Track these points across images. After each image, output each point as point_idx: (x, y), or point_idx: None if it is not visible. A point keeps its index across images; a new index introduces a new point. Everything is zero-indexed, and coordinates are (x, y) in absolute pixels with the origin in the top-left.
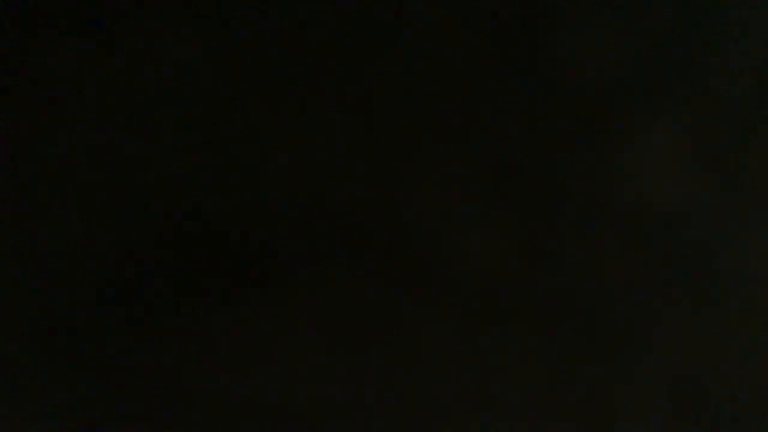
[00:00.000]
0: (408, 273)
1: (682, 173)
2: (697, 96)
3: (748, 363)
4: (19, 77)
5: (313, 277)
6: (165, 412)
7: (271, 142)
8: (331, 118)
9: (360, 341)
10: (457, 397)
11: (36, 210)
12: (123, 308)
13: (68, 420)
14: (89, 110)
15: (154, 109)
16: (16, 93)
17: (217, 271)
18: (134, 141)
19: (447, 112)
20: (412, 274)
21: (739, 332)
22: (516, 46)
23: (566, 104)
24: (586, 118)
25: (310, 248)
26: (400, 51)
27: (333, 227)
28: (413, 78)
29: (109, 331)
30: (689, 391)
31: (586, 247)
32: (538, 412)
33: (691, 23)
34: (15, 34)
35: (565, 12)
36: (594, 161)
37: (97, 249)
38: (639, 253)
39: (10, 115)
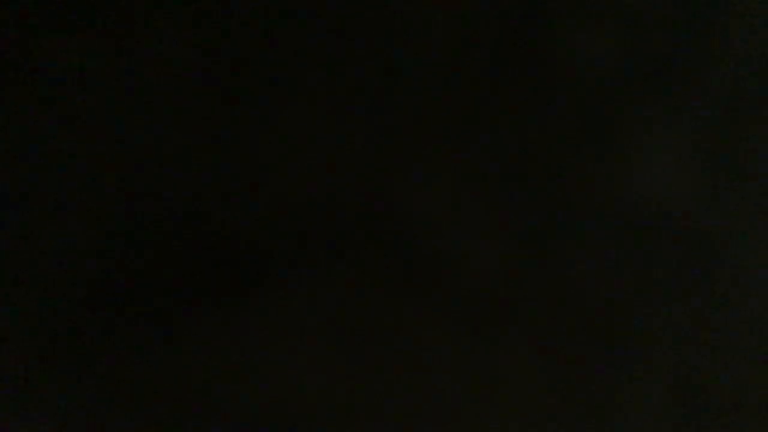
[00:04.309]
0: (408, 274)
1: (682, 173)
2: (697, 96)
3: (749, 363)
4: (19, 77)
5: (313, 278)
6: (164, 412)
7: (272, 143)
8: (332, 117)
9: (360, 342)
10: (457, 397)
11: (36, 210)
12: (122, 308)
13: (68, 420)
14: (88, 110)
15: (153, 109)
16: (16, 93)
17: (216, 272)
18: (134, 141)
19: (447, 113)
20: (413, 274)
21: (740, 332)
22: (516, 46)
23: (566, 104)
24: (587, 118)
25: (310, 248)
26: (400, 51)
27: (333, 227)
28: (414, 78)
29: (108, 331)
30: (689, 391)
31: (586, 247)
32: (538, 413)
33: (691, 23)
34: (15, 34)
35: (565, 12)
36: (594, 161)
37: (96, 249)
38: (639, 253)
39: (10, 115)
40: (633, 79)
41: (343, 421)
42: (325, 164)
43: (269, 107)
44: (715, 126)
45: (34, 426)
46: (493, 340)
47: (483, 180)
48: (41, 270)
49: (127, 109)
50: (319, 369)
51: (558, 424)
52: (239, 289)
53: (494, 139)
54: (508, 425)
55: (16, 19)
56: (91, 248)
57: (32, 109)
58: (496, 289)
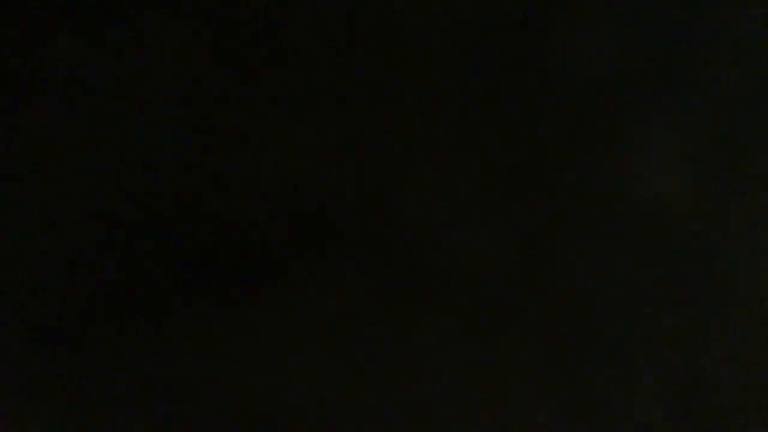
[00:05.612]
0: (409, 274)
1: (682, 173)
2: (697, 96)
3: (748, 363)
4: (19, 77)
5: (313, 278)
6: (163, 411)
7: (270, 142)
8: (330, 116)
9: (359, 342)
10: (456, 397)
11: (35, 209)
12: (122, 308)
13: (67, 419)
14: (89, 110)
15: (151, 109)
16: (16, 93)
17: (216, 272)
18: (132, 140)
19: (446, 112)
20: (412, 274)
21: (740, 332)
22: (516, 46)
23: (566, 104)
24: (586, 118)
25: (310, 249)
26: (399, 50)
27: (332, 227)
28: (413, 77)
29: (107, 331)
30: (689, 391)
31: (586, 247)
32: (537, 413)
33: (690, 23)
34: (16, 34)
35: (564, 12)
36: (594, 161)
37: (94, 249)
38: (639, 253)
39: (9, 115)
40: (633, 79)
41: (342, 422)
42: (326, 165)
43: (269, 107)
44: (715, 126)
45: (33, 425)
46: (493, 340)
47: (484, 180)
48: (41, 270)
49: (127, 109)
50: (319, 369)
51: (558, 424)
52: (239, 290)
53: (494, 140)
54: (509, 427)
55: (17, 20)
56: (91, 248)
57: (32, 110)
58: (496, 290)
